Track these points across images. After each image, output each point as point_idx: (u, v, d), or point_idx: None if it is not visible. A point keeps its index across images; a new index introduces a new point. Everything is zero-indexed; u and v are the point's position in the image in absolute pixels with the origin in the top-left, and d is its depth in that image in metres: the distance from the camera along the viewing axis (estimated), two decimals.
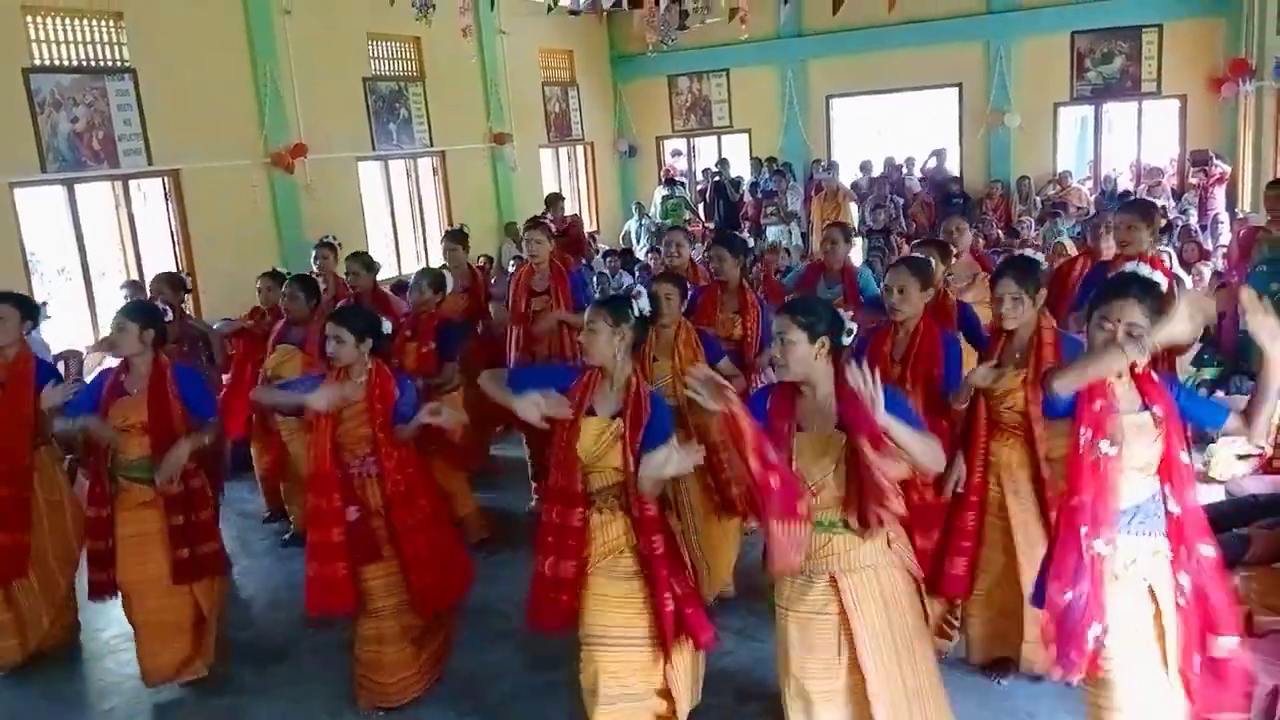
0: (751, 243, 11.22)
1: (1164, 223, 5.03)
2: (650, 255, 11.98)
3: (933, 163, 14.74)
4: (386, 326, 4.14)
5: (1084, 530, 2.82)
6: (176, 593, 4.39)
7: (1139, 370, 2.85)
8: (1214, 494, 5.41)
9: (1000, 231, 12.67)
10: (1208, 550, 2.82)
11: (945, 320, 4.41)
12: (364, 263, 6.67)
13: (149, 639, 4.48)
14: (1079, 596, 2.83)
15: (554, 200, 10.91)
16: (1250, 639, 3.43)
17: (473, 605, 4.80)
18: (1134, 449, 2.82)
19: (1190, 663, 2.83)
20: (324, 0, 10.64)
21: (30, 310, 4.88)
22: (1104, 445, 2.79)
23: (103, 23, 9.05)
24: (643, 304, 3.53)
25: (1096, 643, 2.83)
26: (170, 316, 4.77)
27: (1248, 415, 2.86)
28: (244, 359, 6.29)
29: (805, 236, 12.82)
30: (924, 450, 2.88)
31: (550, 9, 13.11)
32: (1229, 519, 4.26)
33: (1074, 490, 2.85)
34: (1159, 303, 2.82)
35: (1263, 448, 5.70)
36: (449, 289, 6.08)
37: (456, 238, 7.31)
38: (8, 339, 4.68)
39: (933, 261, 4.53)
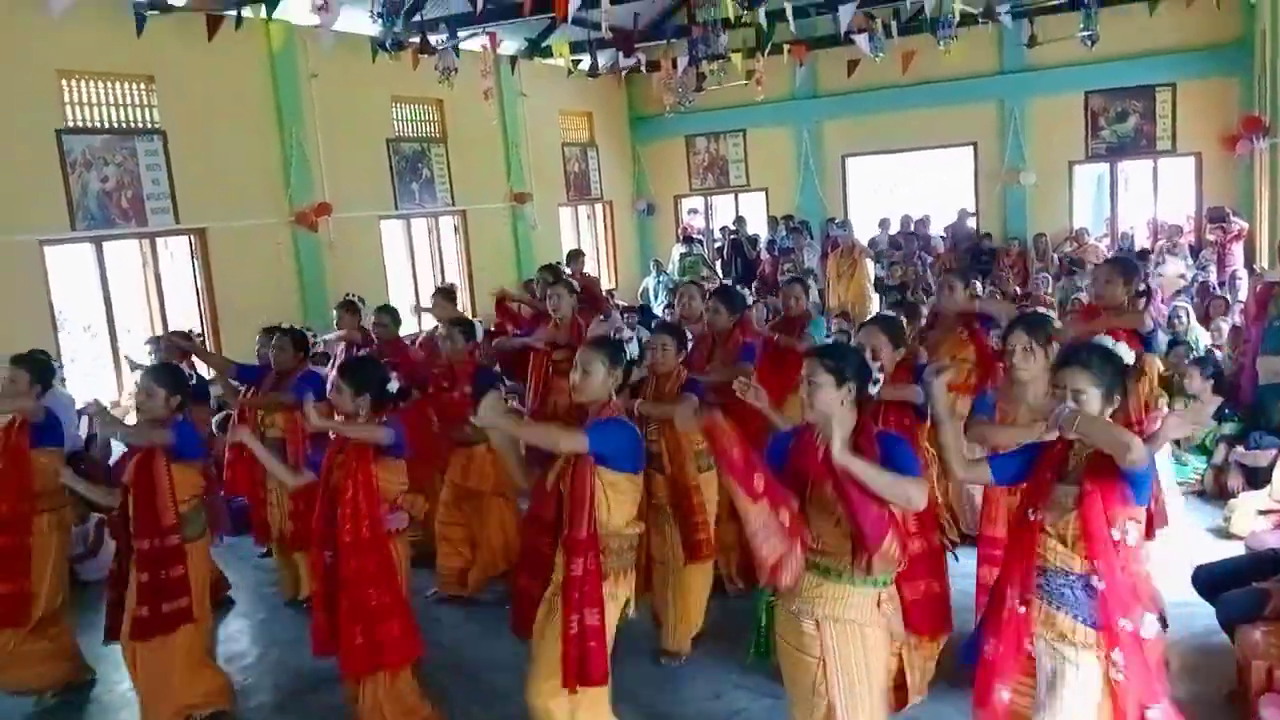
0: (752, 300, 11.31)
1: (1143, 287, 5.14)
2: (667, 311, 12.05)
3: (959, 221, 14.86)
4: (393, 385, 4.19)
5: (1009, 590, 2.96)
6: (142, 653, 4.36)
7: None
8: (1234, 549, 5.36)
9: (1017, 288, 12.70)
10: (1127, 625, 2.81)
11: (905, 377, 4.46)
12: (391, 316, 6.94)
13: (141, 691, 4.50)
14: (993, 650, 2.96)
15: (575, 256, 11.05)
16: (1272, 694, 3.39)
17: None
18: (1049, 517, 2.90)
19: None
20: (349, 65, 10.90)
21: (42, 374, 4.94)
22: (1030, 511, 2.94)
23: (134, 86, 9.33)
24: (632, 349, 3.73)
25: (1005, 706, 2.91)
26: (193, 379, 4.87)
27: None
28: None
29: (822, 293, 12.86)
30: (890, 487, 2.87)
31: (570, 72, 13.44)
32: (1248, 574, 4.22)
33: (1007, 550, 3.00)
34: (1114, 373, 2.89)
35: None
36: (479, 338, 6.16)
37: (447, 294, 7.67)
38: (19, 404, 4.79)
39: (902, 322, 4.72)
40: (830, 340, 5.05)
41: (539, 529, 3.70)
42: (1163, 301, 10.01)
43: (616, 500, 3.53)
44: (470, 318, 6.66)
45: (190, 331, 7.21)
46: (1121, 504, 2.80)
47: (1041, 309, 6.22)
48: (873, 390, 3.13)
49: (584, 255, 11.31)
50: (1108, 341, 2.99)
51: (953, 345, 5.51)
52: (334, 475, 4.04)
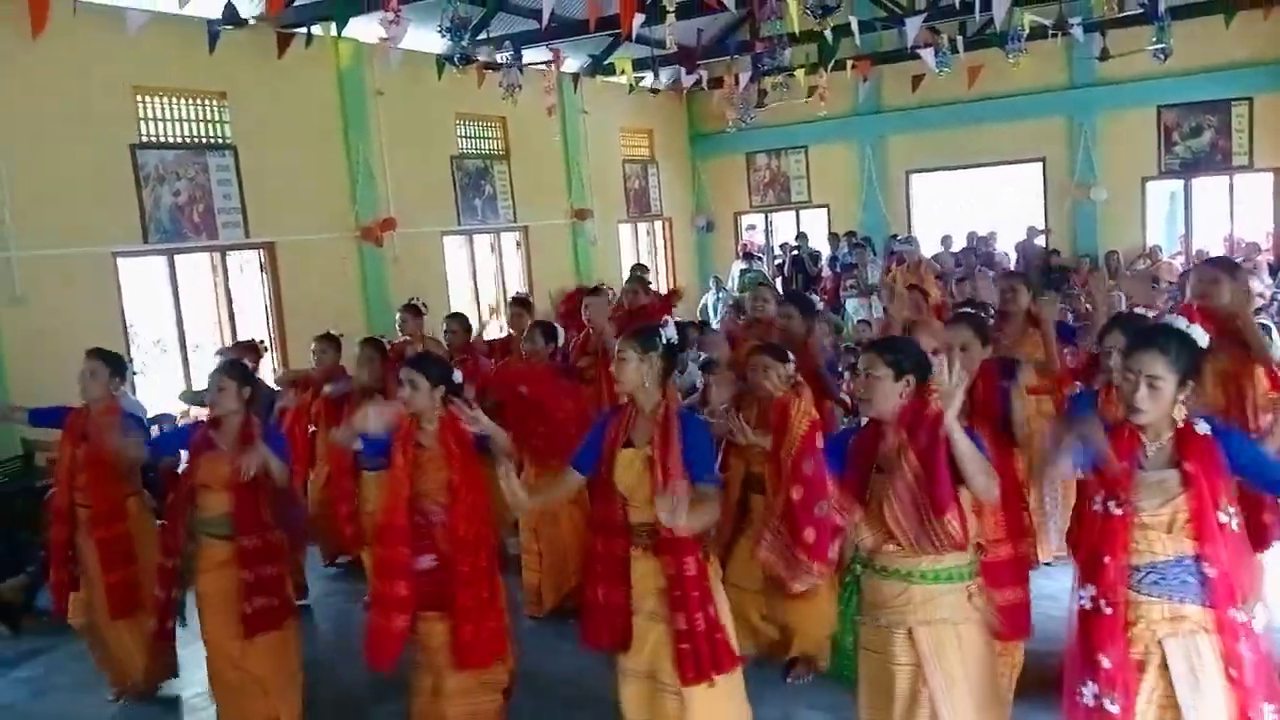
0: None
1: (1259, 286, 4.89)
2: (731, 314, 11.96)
3: (1028, 238, 14.62)
4: (457, 376, 4.18)
5: (1077, 585, 2.83)
6: (255, 652, 4.39)
7: (1179, 425, 2.75)
8: None
9: (1088, 306, 12.39)
10: (1238, 615, 2.68)
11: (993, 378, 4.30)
12: (461, 323, 7.02)
13: (227, 699, 4.49)
14: (1070, 650, 2.86)
15: (638, 270, 11.03)
16: None
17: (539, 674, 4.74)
18: (1146, 506, 2.73)
19: None
20: (415, 82, 11.03)
21: (118, 367, 5.03)
22: (1111, 504, 2.75)
23: (207, 102, 9.51)
24: (669, 332, 3.59)
25: (1096, 701, 2.73)
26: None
27: None
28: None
29: (886, 310, 12.68)
30: (979, 465, 2.83)
31: (631, 89, 13.47)
32: None
33: (1076, 545, 2.89)
34: (1190, 358, 2.73)
35: None
36: (560, 341, 6.13)
37: (522, 303, 7.61)
38: (97, 393, 4.86)
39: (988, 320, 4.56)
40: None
41: (611, 533, 3.55)
42: None
43: None
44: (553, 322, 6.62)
45: (258, 342, 7.27)
46: (1225, 481, 2.69)
47: None
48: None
49: (647, 270, 11.25)
50: (1181, 323, 2.86)
51: (1028, 346, 5.35)
52: (426, 475, 3.97)
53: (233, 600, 4.35)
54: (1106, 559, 2.75)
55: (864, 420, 3.20)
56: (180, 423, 7.45)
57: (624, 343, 3.56)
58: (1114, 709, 2.72)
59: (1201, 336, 2.82)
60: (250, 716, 4.48)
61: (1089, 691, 2.76)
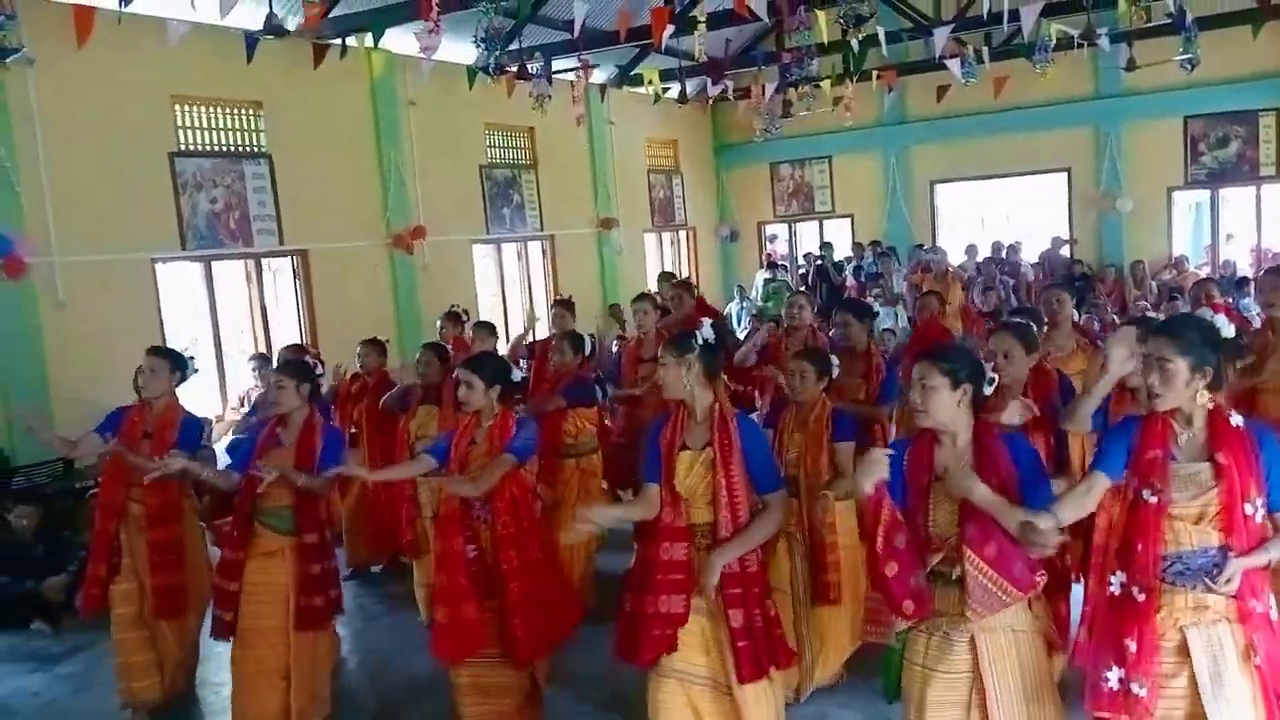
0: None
1: None
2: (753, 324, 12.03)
3: (1053, 248, 14.61)
4: (516, 374, 4.26)
5: (1111, 575, 2.83)
6: (283, 644, 4.43)
7: (1210, 407, 2.77)
8: None
9: (1115, 316, 12.38)
10: (1258, 606, 2.72)
11: (1047, 385, 4.28)
12: (490, 330, 7.09)
13: (243, 690, 4.52)
14: (1095, 634, 2.86)
15: (666, 278, 11.10)
16: None
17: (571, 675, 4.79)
18: (1180, 498, 2.75)
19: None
20: (445, 93, 11.19)
21: (180, 364, 5.07)
22: (1145, 492, 2.76)
23: (243, 111, 9.68)
24: (705, 333, 3.59)
25: (1122, 685, 2.75)
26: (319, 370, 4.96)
27: None
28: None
29: (911, 320, 12.72)
30: (1010, 522, 2.80)
31: (657, 99, 13.56)
32: None
33: (1108, 531, 2.86)
34: (1206, 346, 2.76)
35: None
36: (587, 351, 6.19)
37: (566, 305, 7.71)
38: (159, 390, 4.89)
39: (1034, 328, 4.54)
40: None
41: (674, 538, 3.48)
42: None
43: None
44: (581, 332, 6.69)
45: (306, 348, 7.40)
46: (1252, 476, 2.71)
47: None
48: (987, 390, 3.05)
49: (673, 277, 11.31)
50: (1206, 313, 2.88)
51: (1078, 361, 5.36)
52: (471, 470, 4.05)
53: (275, 591, 4.40)
54: (1139, 546, 2.77)
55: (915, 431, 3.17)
56: (215, 429, 7.55)
57: (662, 350, 3.61)
58: (1141, 692, 2.74)
59: (1226, 326, 2.83)
60: (266, 706, 4.49)
61: (1114, 676, 2.77)
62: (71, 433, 7.29)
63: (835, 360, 4.70)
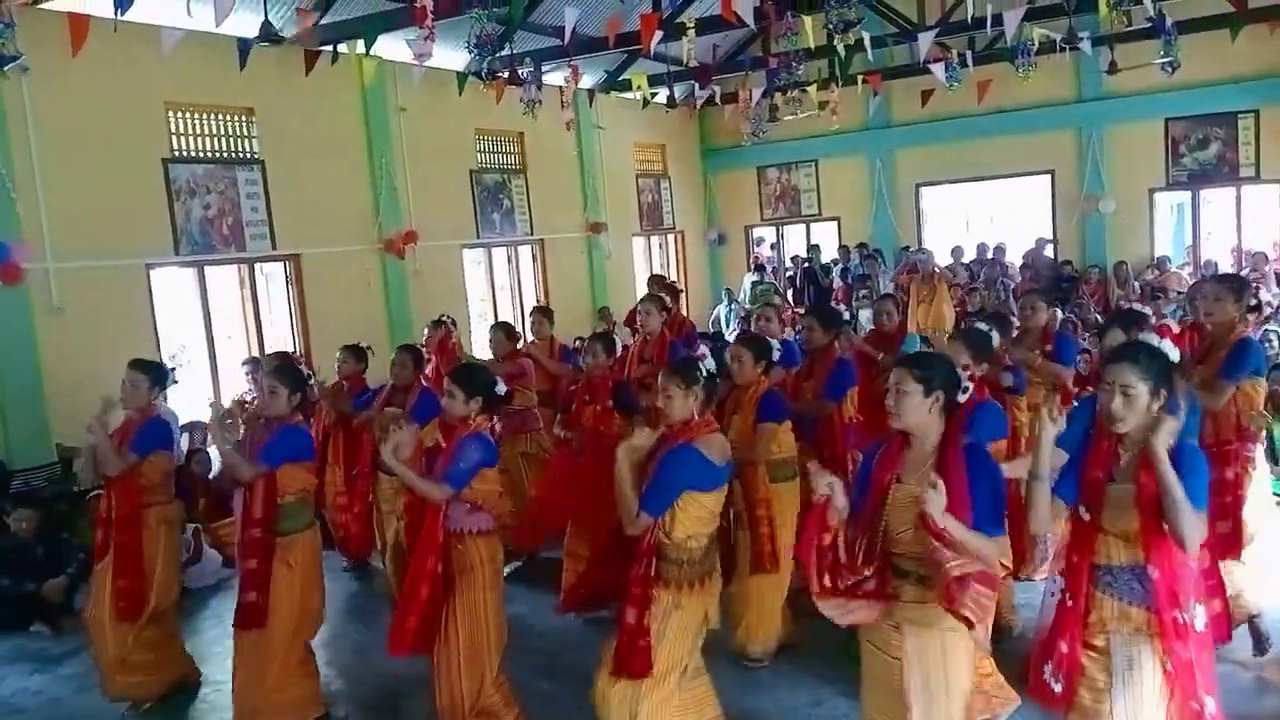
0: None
1: (1254, 302, 5.07)
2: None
3: (1037, 249, 14.77)
4: (500, 388, 4.37)
5: (1056, 577, 3.10)
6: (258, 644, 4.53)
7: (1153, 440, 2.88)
8: None
9: (1098, 316, 12.55)
10: (1179, 616, 2.87)
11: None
12: (506, 332, 7.26)
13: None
14: (1039, 631, 3.13)
15: (656, 281, 11.22)
16: None
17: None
18: (1109, 516, 2.94)
19: None
20: (436, 98, 11.28)
21: (160, 378, 5.14)
22: (1082, 509, 2.99)
23: (236, 118, 9.76)
24: (708, 364, 3.82)
25: (1052, 676, 3.00)
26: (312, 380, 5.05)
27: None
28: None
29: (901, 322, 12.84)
30: (979, 550, 2.90)
31: (645, 104, 13.68)
32: None
33: (1066, 548, 3.08)
34: (1162, 369, 2.93)
35: None
36: (619, 352, 6.31)
37: (545, 313, 7.85)
38: (138, 404, 4.98)
39: (994, 335, 4.82)
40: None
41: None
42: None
43: (681, 516, 3.63)
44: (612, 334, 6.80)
45: (294, 354, 7.48)
46: None
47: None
48: (960, 398, 3.13)
49: (665, 280, 11.43)
50: (1154, 339, 3.06)
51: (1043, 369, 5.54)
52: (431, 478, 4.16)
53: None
54: (1075, 558, 3.00)
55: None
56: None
57: (667, 379, 3.78)
58: (1057, 687, 2.99)
59: (1172, 351, 3.05)
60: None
61: (1048, 670, 3.01)
62: (68, 437, 7.43)
63: (776, 345, 5.03)
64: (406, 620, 4.06)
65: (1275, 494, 6.59)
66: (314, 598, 4.74)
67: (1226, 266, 13.73)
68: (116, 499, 4.90)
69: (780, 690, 4.76)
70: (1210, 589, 3.93)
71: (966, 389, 3.17)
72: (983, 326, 5.06)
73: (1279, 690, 4.32)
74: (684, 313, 11.84)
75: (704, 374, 3.79)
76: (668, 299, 7.76)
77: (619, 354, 6.34)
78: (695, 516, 3.65)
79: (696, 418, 3.74)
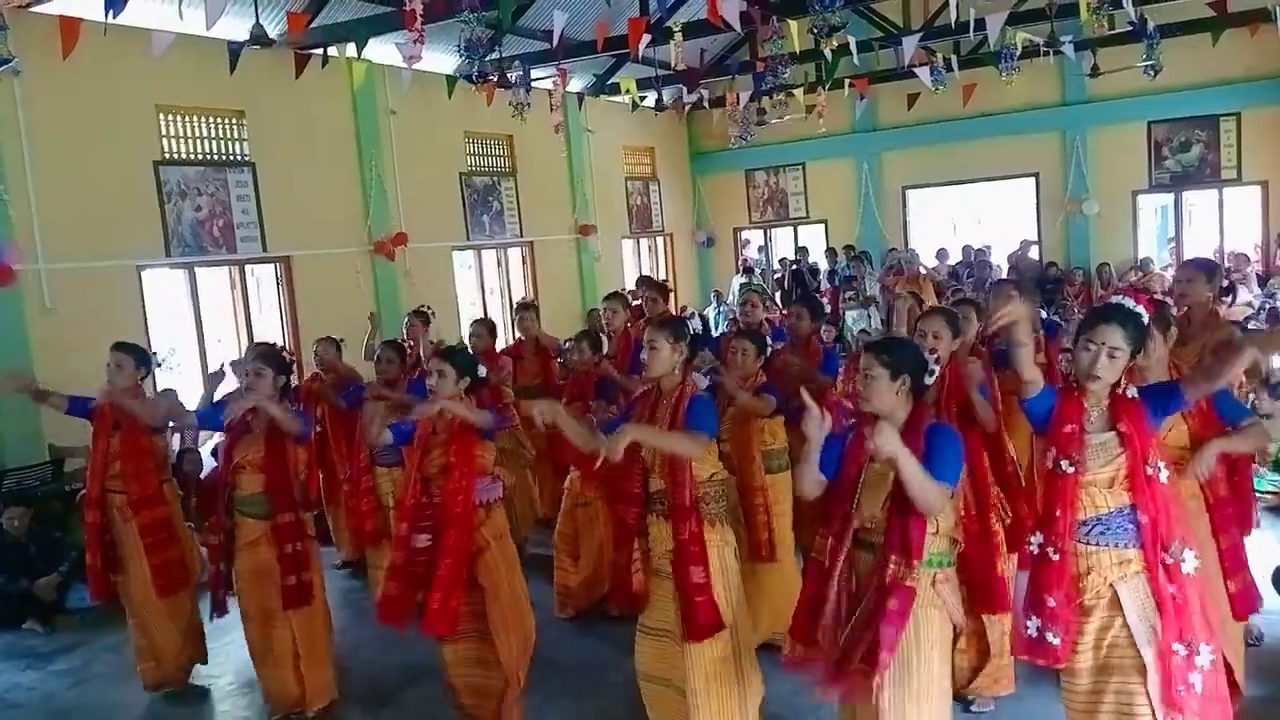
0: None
1: (1226, 283, 5.26)
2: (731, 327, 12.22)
3: (1021, 250, 14.92)
4: (482, 371, 4.47)
5: (1031, 536, 3.18)
6: (288, 624, 4.67)
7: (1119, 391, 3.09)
8: None
9: (1080, 314, 12.68)
10: (1166, 558, 3.01)
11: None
12: (488, 328, 7.36)
13: (269, 666, 4.78)
14: (1021, 589, 3.22)
15: (644, 281, 11.32)
16: None
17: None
18: (1093, 466, 3.07)
19: (1171, 672, 2.97)
20: (426, 101, 11.35)
21: (144, 360, 5.24)
22: (1064, 463, 3.09)
23: (227, 120, 9.82)
24: (695, 324, 3.86)
25: (1039, 634, 3.08)
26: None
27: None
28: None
29: (885, 321, 12.96)
30: (921, 490, 2.96)
31: (634, 107, 13.78)
32: None
33: (1032, 501, 3.25)
34: (1140, 332, 3.08)
35: None
36: (605, 350, 6.42)
37: (529, 308, 8.01)
38: (124, 384, 5.07)
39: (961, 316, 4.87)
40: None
41: (627, 502, 3.90)
42: None
43: (700, 462, 3.79)
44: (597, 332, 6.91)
45: (284, 348, 7.51)
46: (1151, 439, 3.05)
47: None
48: (927, 381, 3.23)
49: (651, 279, 11.49)
50: (1128, 302, 3.15)
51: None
52: (431, 456, 4.26)
53: (267, 576, 4.62)
54: (1057, 513, 3.09)
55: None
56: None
57: (655, 332, 3.88)
58: (1055, 641, 3.06)
59: (1144, 315, 3.15)
60: (285, 684, 4.75)
61: (1033, 625, 3.10)
62: (60, 438, 7.48)
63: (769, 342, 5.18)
64: (450, 601, 4.13)
65: (1256, 490, 6.72)
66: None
67: None
68: (134, 481, 5.00)
69: (769, 678, 4.84)
70: (1233, 567, 4.01)
71: (933, 372, 3.27)
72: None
73: (1254, 681, 4.41)
74: (674, 313, 11.91)
75: (690, 332, 3.92)
76: (639, 299, 7.85)
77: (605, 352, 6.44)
78: (711, 457, 3.88)
79: (689, 381, 3.85)
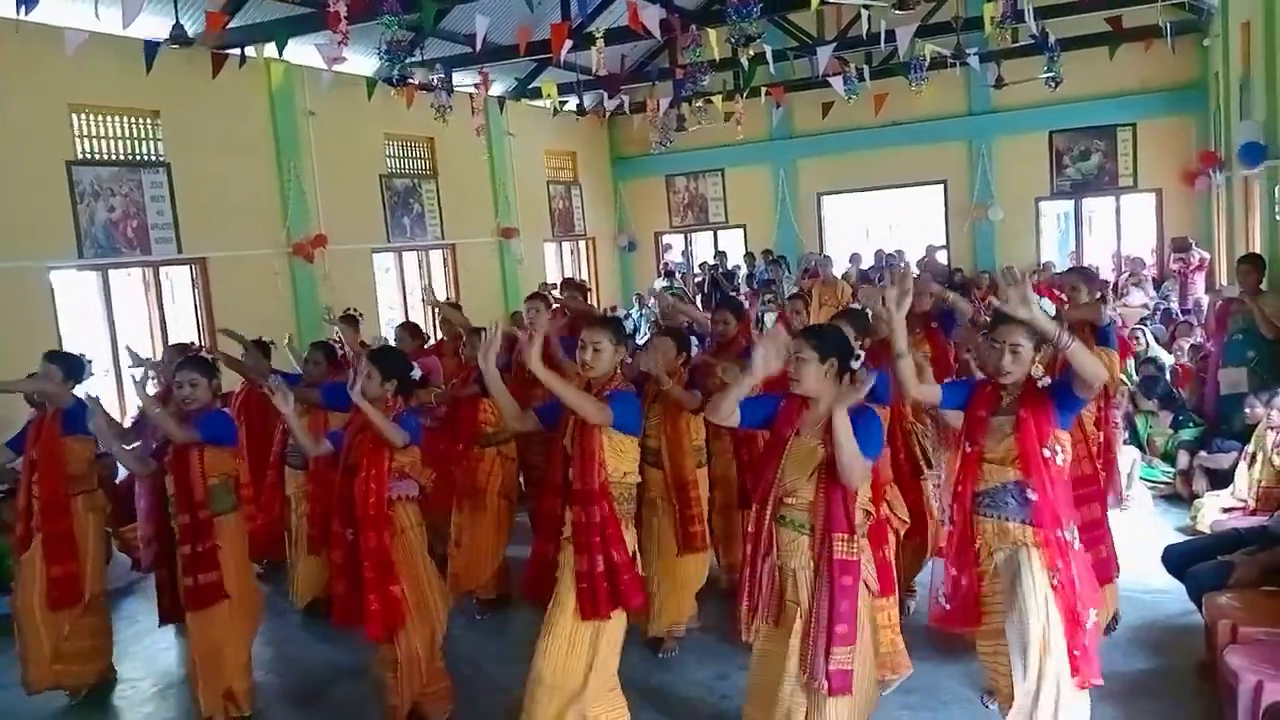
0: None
1: (1099, 294, 5.87)
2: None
3: (927, 255, 15.36)
4: (415, 373, 4.53)
5: (958, 515, 3.54)
6: (202, 624, 4.58)
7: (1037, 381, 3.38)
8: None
9: (988, 318, 13.13)
10: (1064, 536, 3.32)
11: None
12: (411, 331, 7.38)
13: (192, 671, 4.71)
14: (944, 558, 3.57)
15: (568, 284, 11.41)
16: (1235, 646, 3.76)
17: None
18: (988, 444, 3.41)
19: (1073, 636, 3.28)
20: (345, 103, 11.31)
21: (75, 370, 5.17)
22: (967, 444, 3.48)
23: (142, 120, 9.67)
24: (629, 324, 4.04)
25: (947, 599, 3.51)
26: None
27: None
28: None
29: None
30: (851, 457, 3.20)
31: (556, 112, 13.90)
32: (1213, 550, 4.59)
33: (956, 481, 3.57)
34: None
35: (1245, 501, 6.03)
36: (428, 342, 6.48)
37: (454, 307, 8.05)
38: (54, 394, 5.01)
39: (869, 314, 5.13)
40: None
41: (552, 493, 4.01)
42: (1124, 328, 10.48)
43: (616, 456, 3.85)
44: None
45: (193, 345, 7.45)
46: (1050, 426, 3.32)
47: None
48: (854, 365, 3.44)
49: (576, 281, 11.61)
50: (1034, 298, 3.34)
51: (921, 347, 5.91)
52: (353, 455, 4.31)
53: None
54: (960, 488, 3.49)
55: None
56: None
57: (598, 332, 3.93)
58: (947, 606, 3.49)
59: (1050, 307, 3.36)
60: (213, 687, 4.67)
61: (940, 594, 3.52)
62: None
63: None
64: (370, 602, 4.15)
65: (1145, 478, 7.13)
66: (248, 579, 4.84)
67: (1107, 272, 14.53)
68: (42, 488, 4.94)
69: (686, 666, 5.00)
70: (1095, 538, 4.33)
71: (859, 357, 3.49)
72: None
73: (1142, 656, 4.70)
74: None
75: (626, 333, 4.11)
76: (560, 299, 7.97)
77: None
78: (630, 456, 3.90)
79: (618, 374, 3.96)
